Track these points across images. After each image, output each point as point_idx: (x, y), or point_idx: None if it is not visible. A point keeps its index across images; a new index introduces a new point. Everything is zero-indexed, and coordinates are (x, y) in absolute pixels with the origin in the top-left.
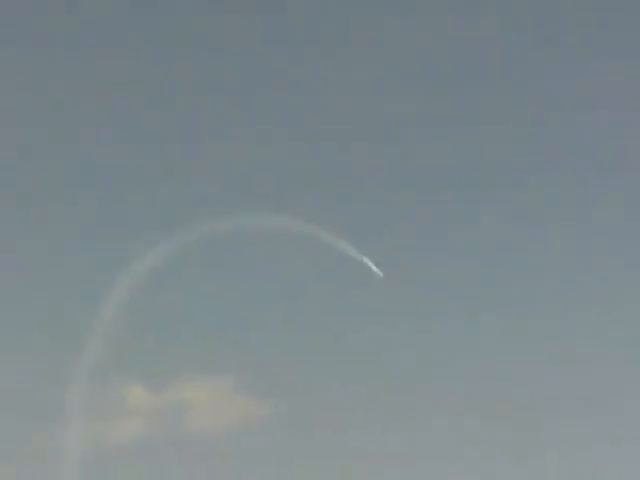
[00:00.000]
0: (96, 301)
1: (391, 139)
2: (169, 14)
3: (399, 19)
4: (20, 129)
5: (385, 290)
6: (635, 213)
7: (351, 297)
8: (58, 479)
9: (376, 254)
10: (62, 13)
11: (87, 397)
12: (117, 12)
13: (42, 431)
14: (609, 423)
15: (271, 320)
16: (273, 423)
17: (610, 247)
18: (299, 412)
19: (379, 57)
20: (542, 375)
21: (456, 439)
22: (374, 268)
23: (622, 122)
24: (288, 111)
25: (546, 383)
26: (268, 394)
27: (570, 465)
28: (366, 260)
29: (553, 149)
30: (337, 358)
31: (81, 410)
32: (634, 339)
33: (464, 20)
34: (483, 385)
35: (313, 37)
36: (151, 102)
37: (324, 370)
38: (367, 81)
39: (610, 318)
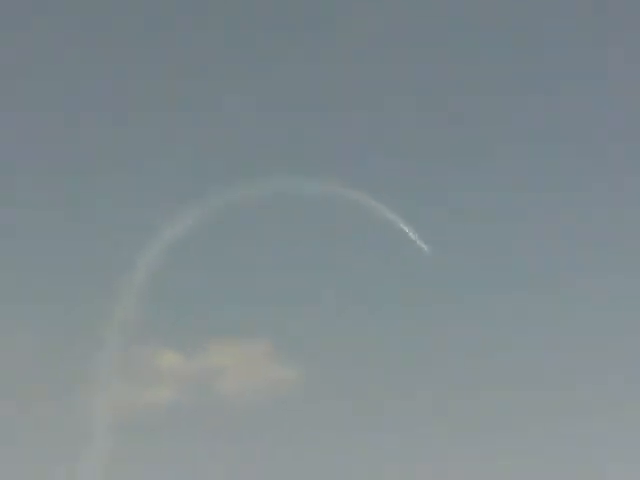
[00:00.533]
0: (128, 267)
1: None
2: None
3: None
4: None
5: (425, 261)
6: None
7: (387, 265)
8: (91, 443)
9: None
10: None
11: (120, 363)
12: None
13: (75, 397)
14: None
15: (303, 287)
16: (304, 388)
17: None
18: (331, 378)
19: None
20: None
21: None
22: (419, 242)
23: None
24: (302, 79)
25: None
26: (300, 360)
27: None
28: (411, 232)
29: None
30: (372, 328)
31: (114, 376)
32: None
33: None
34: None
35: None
36: (162, 68)
37: (358, 338)
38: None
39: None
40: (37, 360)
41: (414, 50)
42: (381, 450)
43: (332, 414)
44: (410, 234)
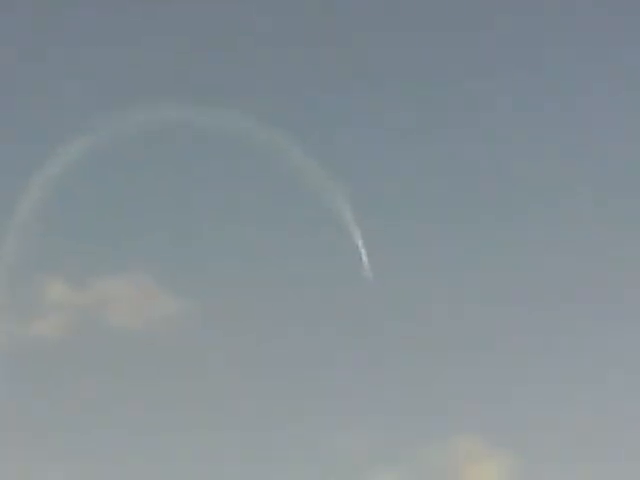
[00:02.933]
0: (14, 195)
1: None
2: None
3: None
4: None
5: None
6: None
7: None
8: None
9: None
10: None
11: (5, 295)
12: None
13: None
14: None
15: (197, 216)
16: (194, 320)
17: None
18: (221, 311)
19: None
20: None
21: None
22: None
23: None
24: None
25: None
26: (191, 292)
27: None
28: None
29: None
30: (267, 260)
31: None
32: None
33: None
34: None
35: None
36: None
37: (250, 270)
38: None
39: None
40: None
41: None
42: (275, 381)
43: (224, 347)
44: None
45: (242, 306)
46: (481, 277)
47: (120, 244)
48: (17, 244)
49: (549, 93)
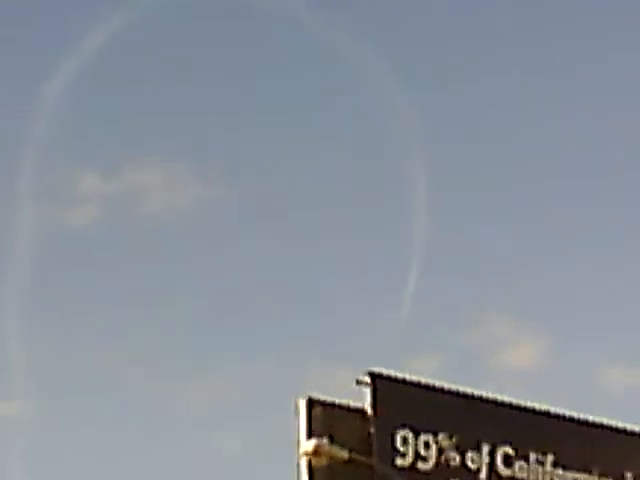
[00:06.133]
0: (43, 79)
1: None
2: None
3: None
4: None
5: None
6: None
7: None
8: (11, 265)
9: None
10: None
11: (39, 185)
12: None
13: None
14: None
15: (229, 104)
16: (227, 208)
17: None
18: (255, 198)
19: None
20: None
21: None
22: None
23: None
24: None
25: None
26: (222, 180)
27: None
28: None
29: None
30: (300, 146)
31: (33, 197)
32: None
33: None
34: None
35: None
36: None
37: (284, 158)
38: None
39: None
40: None
41: None
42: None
43: (259, 234)
44: None
45: (276, 193)
46: None
47: (152, 133)
48: (50, 135)
49: None
